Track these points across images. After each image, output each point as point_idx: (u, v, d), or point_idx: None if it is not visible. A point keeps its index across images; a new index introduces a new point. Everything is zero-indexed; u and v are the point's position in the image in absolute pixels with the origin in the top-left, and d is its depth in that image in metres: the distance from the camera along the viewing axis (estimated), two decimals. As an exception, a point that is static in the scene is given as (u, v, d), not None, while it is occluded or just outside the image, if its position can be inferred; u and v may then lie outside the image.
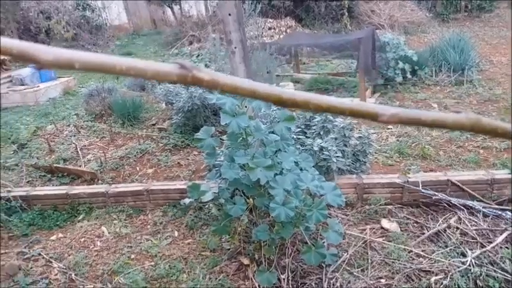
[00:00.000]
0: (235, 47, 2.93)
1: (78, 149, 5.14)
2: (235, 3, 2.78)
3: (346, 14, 11.25)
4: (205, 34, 11.66)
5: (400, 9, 11.65)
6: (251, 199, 2.84)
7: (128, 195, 3.67)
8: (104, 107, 6.09)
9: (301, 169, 2.70)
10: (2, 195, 3.54)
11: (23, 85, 7.72)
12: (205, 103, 5.56)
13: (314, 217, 2.42)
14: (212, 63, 9.60)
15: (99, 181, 4.35)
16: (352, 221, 3.39)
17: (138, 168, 4.65)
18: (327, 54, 9.06)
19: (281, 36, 10.69)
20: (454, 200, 3.28)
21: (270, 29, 10.89)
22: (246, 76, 3.02)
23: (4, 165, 4.88)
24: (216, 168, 3.31)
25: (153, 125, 5.96)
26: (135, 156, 4.92)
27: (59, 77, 8.35)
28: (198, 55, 10.71)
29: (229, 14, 2.79)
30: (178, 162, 4.94)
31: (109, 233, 3.39)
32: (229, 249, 3.16)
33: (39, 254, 3.13)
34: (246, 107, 2.81)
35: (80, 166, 4.75)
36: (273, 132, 2.72)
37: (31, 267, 3.00)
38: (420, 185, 3.35)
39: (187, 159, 5.10)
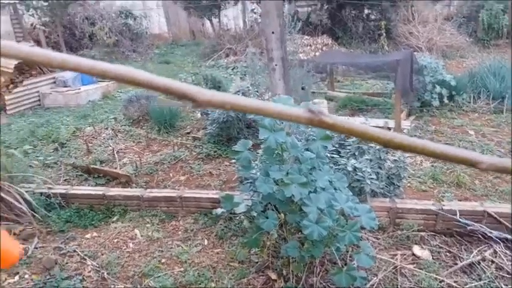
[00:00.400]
0: (276, 64, 2.99)
1: (115, 152, 5.31)
2: (279, 22, 2.84)
3: (384, 34, 11.20)
4: (242, 48, 11.85)
5: (440, 32, 11.52)
6: (282, 214, 2.87)
7: (161, 201, 3.76)
8: (142, 113, 6.28)
9: (335, 189, 2.71)
10: (42, 191, 3.70)
11: (66, 87, 8.05)
12: (239, 115, 5.65)
13: (347, 238, 2.42)
14: (247, 76, 9.75)
15: (134, 184, 4.48)
16: (383, 245, 3.35)
17: (171, 175, 4.76)
18: (362, 73, 9.03)
19: (317, 53, 10.74)
20: (490, 232, 3.20)
21: (306, 45, 10.97)
22: (284, 93, 3.07)
23: (44, 163, 5.09)
24: (249, 181, 3.36)
25: (188, 133, 6.08)
26: (169, 162, 5.03)
27: (99, 81, 8.65)
28: (234, 68, 10.89)
29: (273, 32, 2.86)
30: (210, 172, 5.02)
31: (141, 235, 3.48)
32: (257, 262, 3.19)
33: (74, 251, 3.24)
34: (282, 123, 2.86)
35: (116, 168, 4.90)
36: (308, 150, 2.75)
37: (66, 263, 3.11)
38: (458, 214, 3.29)
39: (219, 169, 5.17)
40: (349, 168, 3.35)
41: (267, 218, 2.69)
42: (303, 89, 5.93)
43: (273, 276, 3.04)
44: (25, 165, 4.18)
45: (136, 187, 4.34)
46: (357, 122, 0.30)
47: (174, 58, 12.13)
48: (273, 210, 2.85)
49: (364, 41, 11.83)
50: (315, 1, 12.44)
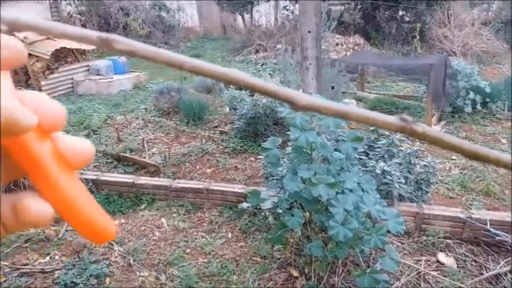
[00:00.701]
0: (310, 63, 2.99)
1: (144, 141, 5.42)
2: (316, 22, 2.85)
3: (418, 37, 10.99)
4: (272, 44, 11.85)
5: (476, 37, 11.21)
6: (307, 213, 2.89)
7: (188, 192, 3.83)
8: (172, 104, 6.38)
9: (362, 190, 2.71)
10: (75, 176, 3.82)
11: (99, 75, 8.24)
12: (267, 112, 5.68)
13: (372, 242, 2.41)
14: (276, 73, 9.75)
15: (161, 174, 4.57)
16: (408, 249, 3.33)
17: (198, 167, 4.83)
18: (393, 75, 8.91)
19: (348, 52, 10.64)
20: (519, 244, 3.13)
21: (337, 45, 10.88)
22: (317, 92, 3.07)
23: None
24: (274, 177, 3.38)
25: (216, 127, 6.15)
26: (196, 155, 5.11)
27: (132, 71, 8.83)
28: (263, 64, 10.91)
29: (309, 32, 2.86)
30: (236, 166, 5.07)
31: (168, 225, 3.55)
32: (279, 258, 3.21)
33: (103, 236, 3.34)
34: (313, 122, 2.87)
35: (145, 158, 5.01)
36: (337, 150, 2.75)
37: (94, 247, 3.21)
38: (488, 223, 3.23)
39: (244, 163, 5.21)
40: (378, 171, 3.33)
41: (293, 215, 2.71)
42: (332, 88, 5.91)
43: (295, 273, 3.07)
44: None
45: (164, 177, 4.43)
46: (446, 134, 0.32)
47: (204, 52, 12.24)
48: (298, 208, 2.86)
49: (397, 43, 11.64)
50: (348, 0, 12.31)
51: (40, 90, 7.86)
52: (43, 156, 0.28)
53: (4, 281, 2.84)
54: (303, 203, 2.73)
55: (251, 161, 5.39)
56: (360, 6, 11.89)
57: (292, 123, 2.52)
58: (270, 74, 10.04)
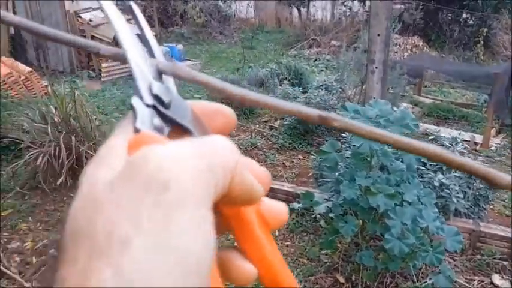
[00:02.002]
0: (375, 67, 2.92)
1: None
2: (387, 25, 2.77)
3: (482, 42, 10.46)
4: (327, 40, 11.68)
5: (546, 46, 10.53)
6: (360, 221, 2.84)
7: (238, 186, 3.87)
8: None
9: (421, 203, 2.63)
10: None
11: (156, 61, 8.45)
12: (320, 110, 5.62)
13: (428, 258, 2.35)
14: (329, 70, 9.61)
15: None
16: (460, 267, 3.21)
17: (247, 161, 4.87)
18: (452, 81, 8.57)
19: (405, 54, 10.32)
20: None
21: (395, 45, 10.56)
22: (380, 97, 3.00)
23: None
24: (328, 181, 3.35)
25: (266, 122, 6.17)
26: (245, 148, 5.15)
27: (187, 59, 9.00)
28: (316, 60, 10.79)
29: (378, 35, 2.79)
30: (283, 163, 5.07)
31: (216, 217, 3.61)
32: (326, 262, 3.19)
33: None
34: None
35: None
36: (398, 160, 2.68)
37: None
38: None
39: (292, 161, 5.20)
40: (436, 184, 3.22)
41: (346, 222, 2.68)
42: (388, 89, 5.76)
43: (341, 279, 3.04)
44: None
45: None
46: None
47: (257, 44, 12.25)
48: (351, 215, 2.83)
49: (458, 47, 11.15)
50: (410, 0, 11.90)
51: (100, 71, 8.18)
52: (251, 218, 0.29)
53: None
54: (358, 211, 2.69)
55: (299, 159, 5.37)
56: (421, 7, 11.46)
57: (355, 129, 2.48)
58: (322, 70, 9.92)
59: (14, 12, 8.68)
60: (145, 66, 0.29)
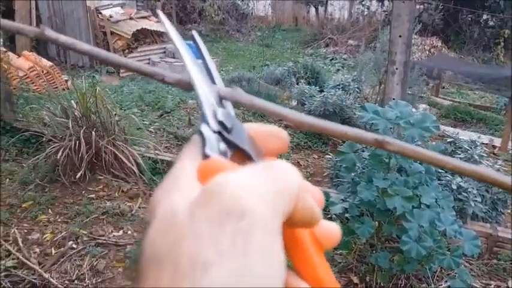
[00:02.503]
0: (396, 68, 2.91)
1: (213, 128, 5.55)
2: (409, 27, 2.75)
3: (502, 44, 10.29)
4: (344, 39, 11.62)
5: None
6: (376, 222, 2.83)
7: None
8: (241, 93, 6.48)
9: (438, 207, 2.61)
10: (150, 155, 4.01)
11: (174, 58, 8.53)
12: (336, 110, 5.61)
13: (446, 262, 2.34)
14: (345, 69, 9.57)
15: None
16: (476, 271, 3.18)
17: (262, 159, 4.89)
18: (470, 82, 8.45)
19: (423, 54, 10.20)
20: None
21: (413, 45, 10.45)
22: (400, 98, 2.98)
23: (147, 129, 5.48)
24: (345, 181, 3.35)
25: (281, 120, 6.15)
26: (261, 147, 5.16)
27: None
28: (332, 59, 10.74)
29: (400, 36, 2.78)
30: (298, 162, 5.08)
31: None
32: (340, 262, 3.19)
33: (172, 217, 3.50)
34: (394, 130, 2.80)
35: (212, 144, 5.14)
36: (417, 162, 2.67)
37: (164, 227, 3.37)
38: None
39: (307, 160, 5.20)
40: (454, 187, 3.19)
41: (362, 223, 2.68)
42: (408, 89, 5.71)
43: (355, 280, 3.04)
44: (135, 128, 4.54)
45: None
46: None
47: (274, 42, 12.25)
48: (368, 216, 2.82)
49: (478, 48, 10.98)
50: (430, 0, 11.75)
51: (119, 67, 8.27)
52: (305, 239, 0.30)
53: (83, 248, 3.07)
54: (375, 213, 2.69)
55: (314, 158, 5.37)
56: (441, 7, 11.31)
57: (375, 130, 2.47)
58: (338, 69, 9.88)
59: (37, 10, 8.84)
60: (210, 93, 0.31)
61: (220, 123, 0.30)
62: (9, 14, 8.68)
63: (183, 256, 0.22)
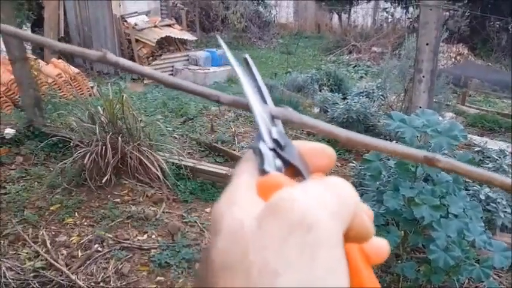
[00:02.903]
0: (423, 76, 2.87)
1: (235, 134, 5.59)
2: (436, 34, 2.72)
3: (531, 51, 10.03)
4: (367, 46, 11.54)
5: None
6: (402, 232, 2.79)
7: (277, 191, 3.88)
8: (263, 100, 6.50)
9: (466, 216, 2.55)
10: (174, 161, 4.06)
11: (197, 65, 8.63)
12: (360, 118, 5.56)
13: (475, 273, 2.28)
14: (369, 76, 9.49)
15: (249, 169, 4.68)
16: (505, 284, 3.09)
17: (285, 166, 4.88)
18: (498, 90, 8.26)
19: (449, 62, 10.04)
20: None
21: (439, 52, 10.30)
22: (426, 107, 2.94)
23: (171, 135, 5.55)
24: (366, 188, 3.30)
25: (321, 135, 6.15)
26: (283, 154, 5.15)
27: (226, 64, 9.11)
28: (355, 66, 10.68)
29: (427, 44, 2.75)
30: (321, 169, 5.02)
31: (255, 221, 3.64)
32: (364, 272, 3.15)
33: (195, 222, 3.52)
34: (422, 138, 2.75)
35: (234, 150, 5.17)
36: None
37: (187, 231, 3.40)
38: None
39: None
40: (482, 197, 3.11)
41: (388, 232, 2.64)
42: (435, 98, 5.62)
43: (380, 290, 2.99)
44: (159, 134, 4.61)
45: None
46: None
47: (296, 49, 12.26)
48: (393, 225, 2.78)
49: (506, 56, 10.74)
50: (455, 6, 11.57)
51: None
52: (355, 253, 0.30)
53: (108, 251, 3.12)
54: (401, 222, 2.65)
55: (337, 165, 5.32)
56: (467, 14, 11.13)
57: (402, 138, 2.44)
58: (361, 76, 9.81)
59: (65, 18, 9.10)
60: (264, 112, 0.33)
61: (275, 141, 0.32)
62: (40, 22, 8.97)
63: (254, 265, 0.24)
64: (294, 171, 0.32)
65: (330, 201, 0.26)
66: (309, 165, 0.33)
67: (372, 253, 0.31)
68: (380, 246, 0.32)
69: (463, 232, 2.38)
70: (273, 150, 0.32)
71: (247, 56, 0.36)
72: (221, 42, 0.38)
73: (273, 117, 0.33)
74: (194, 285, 2.71)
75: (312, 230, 0.24)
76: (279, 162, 0.31)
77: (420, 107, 2.84)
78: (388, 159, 3.17)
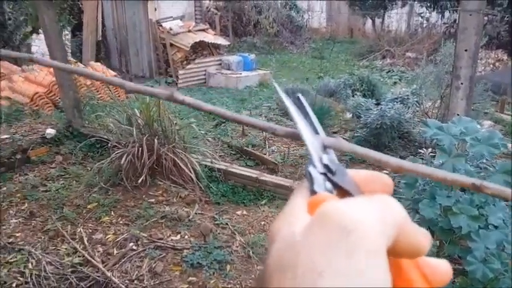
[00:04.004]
0: (461, 83, 2.81)
1: (266, 138, 5.61)
2: (476, 40, 2.66)
3: None
4: (401, 51, 11.35)
5: None
6: (438, 242, 2.73)
7: (308, 196, 3.88)
8: (295, 105, 6.50)
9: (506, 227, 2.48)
10: (207, 163, 4.12)
11: (229, 70, 8.73)
12: (394, 124, 5.47)
13: (515, 286, 2.20)
14: (403, 82, 9.32)
15: (279, 172, 4.69)
16: (547, 300, 2.96)
17: (315, 171, 4.86)
18: (539, 98, 7.93)
19: (487, 68, 9.75)
20: None
21: (475, 58, 10.01)
22: (464, 114, 2.87)
23: (204, 138, 5.64)
24: (401, 196, 3.25)
25: (335, 132, 6.11)
26: (314, 160, 5.14)
27: (258, 69, 9.18)
28: (389, 71, 10.51)
29: (466, 50, 2.69)
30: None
31: (286, 225, 3.64)
32: (397, 281, 3.10)
33: (227, 224, 3.56)
34: (460, 147, 2.70)
35: (265, 154, 5.19)
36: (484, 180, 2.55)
37: (219, 233, 3.44)
38: None
39: (362, 175, 5.08)
40: (522, 208, 3.01)
41: (423, 241, 2.59)
42: (473, 108, 5.47)
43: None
44: (192, 137, 4.69)
45: (281, 175, 4.55)
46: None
47: (328, 54, 12.20)
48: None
49: (548, 62, 10.33)
50: (494, 11, 11.22)
51: (177, 78, 8.59)
52: (410, 270, 0.31)
53: (143, 250, 3.20)
54: (437, 231, 2.59)
55: (370, 173, 5.24)
56: (507, 19, 10.78)
57: (439, 146, 2.40)
58: (395, 82, 9.65)
59: (103, 22, 9.40)
60: (315, 141, 0.36)
61: (325, 166, 0.34)
62: (80, 27, 9.31)
63: (300, 266, 0.27)
64: (345, 194, 0.33)
65: (372, 211, 0.28)
66: (363, 191, 0.35)
67: (430, 274, 0.32)
68: (437, 266, 0.32)
69: (503, 244, 2.31)
70: (324, 174, 0.34)
71: (300, 95, 0.39)
72: (277, 87, 0.42)
73: (325, 147, 0.36)
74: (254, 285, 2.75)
75: (352, 234, 0.26)
76: (329, 185, 0.34)
77: (458, 115, 2.78)
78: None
